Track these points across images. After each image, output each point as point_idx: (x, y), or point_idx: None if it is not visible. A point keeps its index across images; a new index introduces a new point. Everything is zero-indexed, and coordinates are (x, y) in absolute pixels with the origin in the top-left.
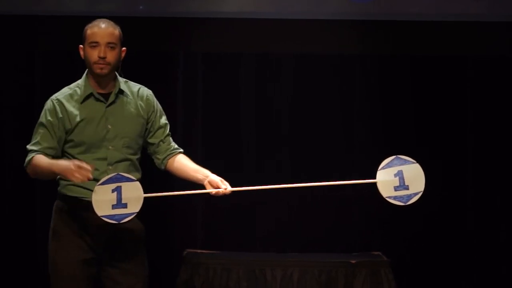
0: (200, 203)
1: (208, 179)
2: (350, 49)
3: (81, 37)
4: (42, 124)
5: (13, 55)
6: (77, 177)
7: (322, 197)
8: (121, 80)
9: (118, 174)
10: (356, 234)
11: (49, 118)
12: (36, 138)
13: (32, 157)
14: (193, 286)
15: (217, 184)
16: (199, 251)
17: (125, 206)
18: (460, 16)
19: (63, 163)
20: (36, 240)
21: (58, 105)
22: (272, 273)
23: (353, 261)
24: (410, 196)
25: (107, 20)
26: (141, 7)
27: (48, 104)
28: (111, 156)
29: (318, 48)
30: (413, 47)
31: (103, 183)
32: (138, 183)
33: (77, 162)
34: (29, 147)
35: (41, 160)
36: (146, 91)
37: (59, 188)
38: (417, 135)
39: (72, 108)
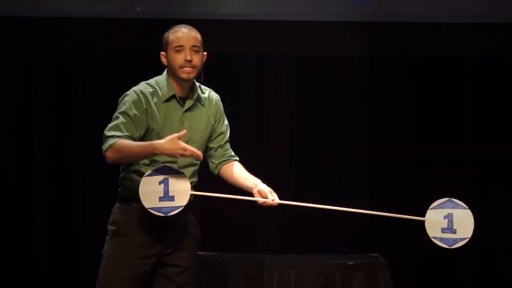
0: (198, 205)
1: (257, 188)
2: (350, 50)
3: (79, 38)
4: (125, 114)
5: (13, 56)
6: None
7: (320, 198)
8: (197, 85)
9: (165, 165)
10: (353, 236)
11: (134, 111)
12: (117, 125)
13: (116, 141)
14: None
15: (266, 194)
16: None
17: (172, 199)
18: (459, 18)
19: (167, 144)
20: (36, 240)
21: (143, 98)
22: (270, 275)
23: (351, 263)
24: (456, 241)
25: (188, 25)
26: (138, 8)
27: (133, 96)
28: (181, 160)
29: (318, 49)
30: (412, 48)
31: (150, 175)
32: (185, 175)
33: (182, 145)
34: (108, 133)
35: (129, 142)
36: (214, 96)
37: (120, 190)
38: (417, 135)
39: (154, 105)
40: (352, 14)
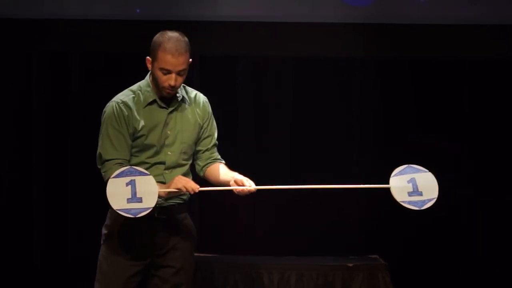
0: (197, 206)
1: (234, 179)
2: (349, 52)
3: (78, 40)
4: (115, 130)
5: (11, 57)
6: (184, 186)
7: (319, 200)
8: (181, 86)
9: (131, 167)
10: (353, 237)
11: (121, 125)
12: (111, 145)
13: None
14: None
15: (242, 182)
16: (196, 254)
17: (140, 200)
18: (456, 19)
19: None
20: (32, 241)
21: (124, 107)
22: (269, 277)
23: (350, 265)
24: (424, 202)
25: (179, 40)
26: (138, 10)
27: (115, 108)
28: (169, 160)
29: (318, 51)
30: (410, 50)
31: (116, 176)
32: (151, 177)
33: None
34: (107, 156)
35: None
36: (202, 98)
37: None
38: (418, 137)
39: (136, 111)
40: (351, 16)
